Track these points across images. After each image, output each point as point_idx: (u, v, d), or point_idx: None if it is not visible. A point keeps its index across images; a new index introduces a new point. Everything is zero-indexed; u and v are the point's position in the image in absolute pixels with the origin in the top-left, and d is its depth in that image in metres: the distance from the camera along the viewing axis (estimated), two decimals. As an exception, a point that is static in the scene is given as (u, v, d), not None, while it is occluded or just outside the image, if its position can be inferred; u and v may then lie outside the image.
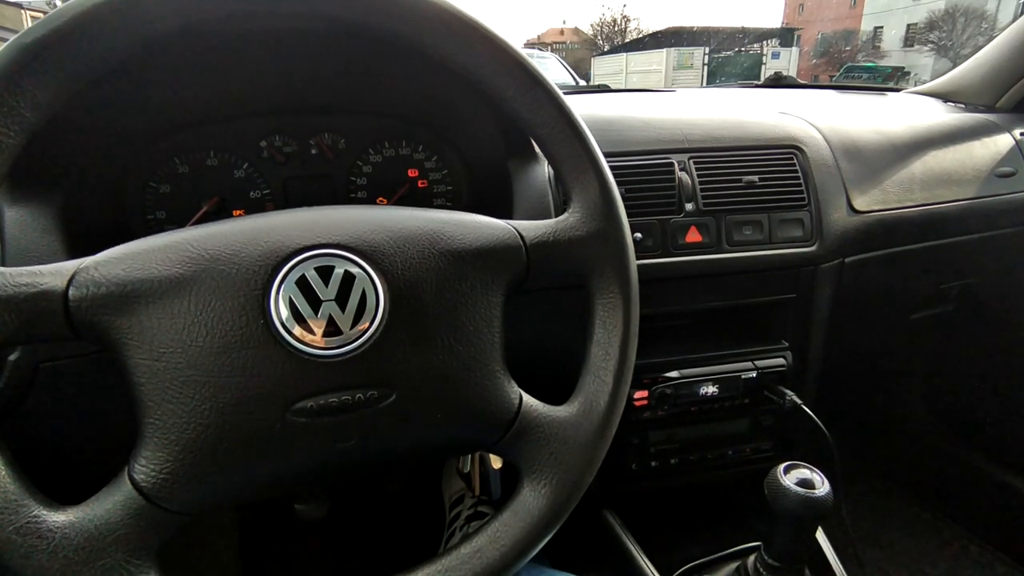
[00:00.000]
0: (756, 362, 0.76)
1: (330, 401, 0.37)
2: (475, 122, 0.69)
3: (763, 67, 20.97)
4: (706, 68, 20.40)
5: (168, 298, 0.35)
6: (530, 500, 0.42)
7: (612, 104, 0.93)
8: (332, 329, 0.37)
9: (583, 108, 0.82)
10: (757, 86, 1.36)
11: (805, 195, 0.76)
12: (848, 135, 0.84)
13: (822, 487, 0.53)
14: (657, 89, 1.17)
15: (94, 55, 0.35)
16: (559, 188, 0.65)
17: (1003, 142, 0.96)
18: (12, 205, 0.50)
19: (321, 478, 0.66)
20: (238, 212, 0.70)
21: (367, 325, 0.37)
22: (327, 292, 0.37)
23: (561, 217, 0.46)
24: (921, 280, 0.98)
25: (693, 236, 0.72)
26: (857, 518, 1.23)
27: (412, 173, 0.75)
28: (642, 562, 0.74)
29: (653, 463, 0.79)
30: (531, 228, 0.45)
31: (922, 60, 24.46)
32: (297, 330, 0.36)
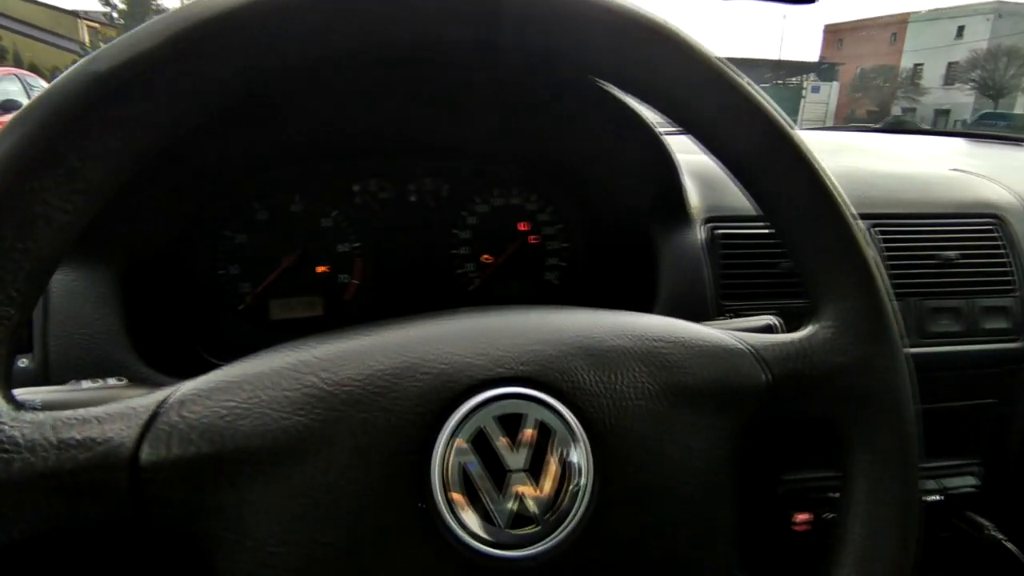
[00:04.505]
0: (943, 482, 0.61)
1: None
2: (618, 172, 0.56)
3: (802, 100, 20.72)
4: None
5: (287, 464, 0.23)
6: None
7: None
8: (522, 516, 0.24)
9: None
10: (876, 130, 1.21)
11: (1012, 276, 0.61)
12: None
13: None
14: None
15: (175, 112, 0.23)
16: (804, 286, 0.41)
17: None
18: (61, 268, 0.38)
19: None
20: (321, 269, 0.58)
21: (571, 509, 0.24)
22: (515, 459, 0.24)
23: (808, 331, 0.33)
24: None
25: None
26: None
27: (522, 227, 0.63)
28: None
29: None
30: (772, 348, 0.32)
31: (962, 98, 23.98)
32: (471, 519, 0.23)
